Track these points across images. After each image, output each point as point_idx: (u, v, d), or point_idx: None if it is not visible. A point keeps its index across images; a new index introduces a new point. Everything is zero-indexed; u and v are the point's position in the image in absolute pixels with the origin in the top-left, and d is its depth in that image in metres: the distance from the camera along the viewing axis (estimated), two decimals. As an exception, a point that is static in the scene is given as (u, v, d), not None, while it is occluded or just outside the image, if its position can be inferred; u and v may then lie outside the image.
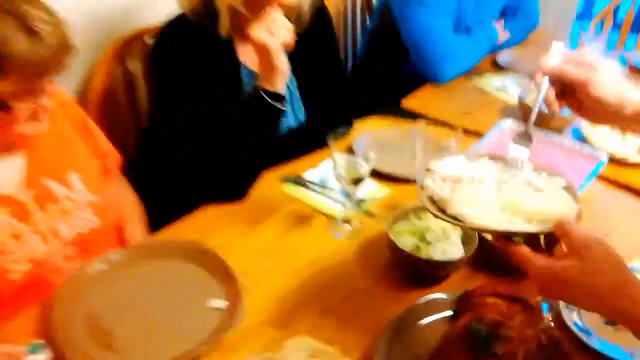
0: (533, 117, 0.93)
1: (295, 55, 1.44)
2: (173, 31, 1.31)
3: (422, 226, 1.12)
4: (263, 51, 1.20)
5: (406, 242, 1.08)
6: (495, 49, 2.14)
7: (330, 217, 1.25)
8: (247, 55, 1.37)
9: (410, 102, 1.77)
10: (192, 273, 1.06)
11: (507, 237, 0.84)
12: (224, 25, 1.28)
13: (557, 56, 0.92)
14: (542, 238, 0.85)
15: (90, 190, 1.13)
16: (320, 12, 1.46)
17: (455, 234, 1.11)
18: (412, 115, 1.72)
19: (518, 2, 2.26)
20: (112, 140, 1.56)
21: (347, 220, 1.23)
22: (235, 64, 1.33)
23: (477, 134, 1.55)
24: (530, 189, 0.92)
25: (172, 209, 1.33)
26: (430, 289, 1.07)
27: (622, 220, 1.30)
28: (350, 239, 1.20)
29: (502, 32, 2.14)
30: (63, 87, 1.48)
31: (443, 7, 1.91)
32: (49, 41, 0.91)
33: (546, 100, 0.92)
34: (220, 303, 1.00)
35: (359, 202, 1.29)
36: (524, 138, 0.94)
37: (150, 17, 1.53)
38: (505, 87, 1.90)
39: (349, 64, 2.37)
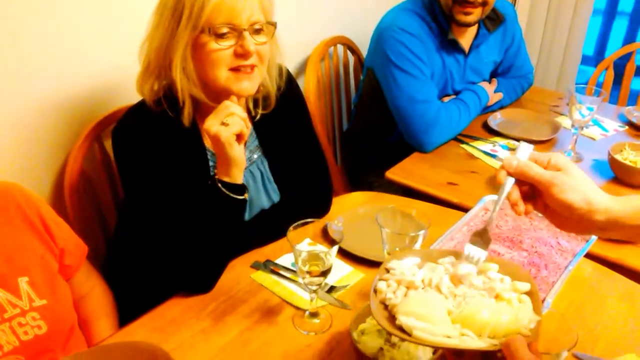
0: (494, 217, 0.87)
1: (266, 137, 1.41)
2: (132, 118, 1.28)
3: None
4: (216, 142, 1.17)
5: (370, 343, 1.01)
6: (487, 110, 2.10)
7: (298, 309, 1.19)
8: None
9: (394, 173, 1.73)
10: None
11: (457, 352, 0.78)
12: (188, 114, 1.26)
13: (523, 155, 0.87)
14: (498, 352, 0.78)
15: (39, 295, 1.08)
16: (289, 90, 1.43)
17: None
18: (393, 188, 1.67)
19: (511, 60, 2.22)
20: (92, 222, 1.56)
21: (314, 314, 1.16)
22: (201, 149, 1.30)
23: (462, 209, 1.49)
24: (488, 297, 0.86)
25: (145, 297, 1.30)
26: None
27: (613, 302, 1.22)
28: (318, 334, 1.13)
29: (492, 94, 2.10)
30: (41, 167, 1.50)
31: (427, 73, 1.88)
32: None
33: (510, 201, 0.86)
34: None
35: (330, 290, 1.22)
36: (482, 239, 0.88)
37: (131, 98, 1.52)
38: (497, 153, 1.84)
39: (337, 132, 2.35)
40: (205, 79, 1.23)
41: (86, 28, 1.50)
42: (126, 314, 1.29)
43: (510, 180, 0.86)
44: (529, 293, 0.85)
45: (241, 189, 1.22)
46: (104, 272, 1.44)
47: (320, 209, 1.46)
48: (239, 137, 1.18)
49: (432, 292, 0.85)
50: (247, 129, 1.19)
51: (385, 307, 0.86)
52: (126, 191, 1.32)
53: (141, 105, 1.30)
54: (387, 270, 0.92)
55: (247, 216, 1.40)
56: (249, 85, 1.25)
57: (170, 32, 1.20)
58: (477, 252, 0.88)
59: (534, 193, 0.87)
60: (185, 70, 1.22)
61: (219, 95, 1.24)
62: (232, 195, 1.20)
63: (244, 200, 1.23)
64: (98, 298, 1.30)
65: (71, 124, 1.54)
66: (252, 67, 1.23)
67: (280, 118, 1.41)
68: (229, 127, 1.16)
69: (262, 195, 1.42)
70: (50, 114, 1.49)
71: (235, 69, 1.22)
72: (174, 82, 1.22)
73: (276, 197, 1.45)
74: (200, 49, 1.20)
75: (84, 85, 1.55)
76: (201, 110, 1.29)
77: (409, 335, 0.79)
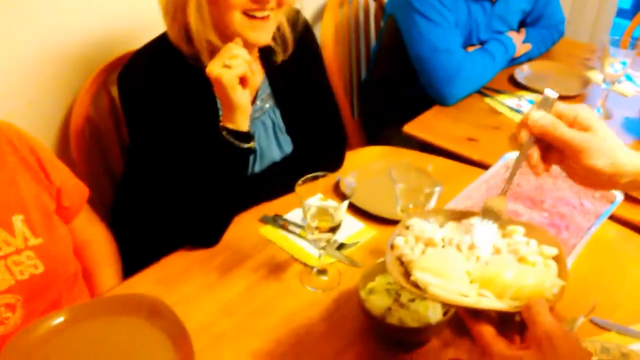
0: (508, 185, 0.81)
1: (279, 85, 1.35)
2: (138, 63, 1.23)
3: (399, 283, 1.01)
4: (219, 86, 1.11)
5: (378, 302, 0.97)
6: (514, 62, 1.99)
7: (306, 266, 1.15)
8: None
9: (412, 127, 1.66)
10: (145, 334, 0.98)
11: (474, 312, 0.73)
12: (204, 59, 1.20)
13: (547, 109, 0.78)
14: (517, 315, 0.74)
15: (34, 234, 1.05)
16: (305, 38, 1.35)
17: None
18: (411, 144, 1.61)
19: (541, 9, 2.10)
20: (98, 169, 1.53)
21: (322, 271, 1.13)
22: (212, 96, 1.25)
23: (483, 166, 1.43)
24: (512, 258, 0.81)
25: (149, 247, 1.28)
26: (407, 355, 0.96)
27: (636, 267, 1.16)
28: (326, 292, 1.10)
29: (520, 45, 1.99)
30: (47, 111, 1.47)
31: (451, 21, 1.77)
32: None
33: (530, 163, 0.79)
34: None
35: (340, 247, 1.18)
36: (492, 213, 0.83)
37: (139, 43, 1.47)
38: (522, 108, 1.75)
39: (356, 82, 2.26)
40: (219, 23, 1.17)
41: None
42: (130, 264, 1.27)
43: (531, 140, 0.78)
44: (555, 258, 0.80)
45: (246, 136, 1.16)
46: (110, 220, 1.43)
47: (333, 162, 1.40)
48: (242, 80, 1.11)
49: (451, 250, 0.81)
50: (252, 72, 1.12)
51: (401, 263, 0.82)
52: (131, 138, 1.28)
53: (148, 48, 1.24)
54: (407, 227, 0.88)
55: (257, 168, 1.36)
56: (264, 34, 1.19)
57: None
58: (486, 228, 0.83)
59: (552, 150, 0.80)
60: (200, 11, 1.15)
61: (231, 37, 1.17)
62: (236, 142, 1.15)
63: (250, 149, 1.17)
64: (100, 247, 1.28)
65: (78, 69, 1.49)
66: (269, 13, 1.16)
67: (294, 67, 1.34)
68: (232, 69, 1.09)
69: (274, 146, 1.37)
70: (56, 59, 1.44)
71: (250, 15, 1.15)
72: (188, 23, 1.16)
73: (288, 149, 1.39)
74: None
75: (91, 29, 1.49)
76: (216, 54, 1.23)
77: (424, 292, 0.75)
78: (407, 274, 0.80)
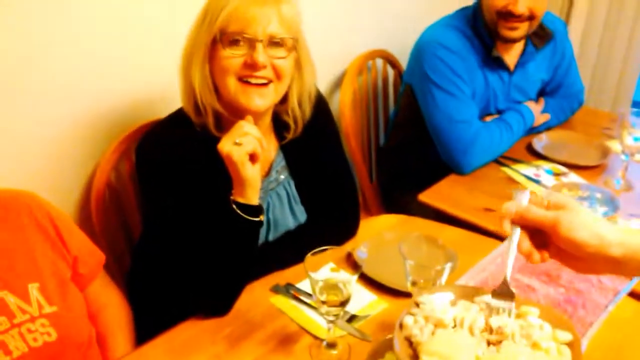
0: (509, 271, 0.81)
1: (293, 157, 1.38)
2: (153, 137, 1.27)
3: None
4: (229, 162, 1.14)
5: (386, 382, 0.96)
6: (533, 131, 2.00)
7: (315, 339, 1.14)
8: None
9: (428, 196, 1.66)
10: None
11: None
12: (210, 125, 1.24)
13: (522, 202, 0.83)
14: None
15: (49, 302, 1.07)
16: (320, 111, 1.38)
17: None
18: (429, 210, 1.61)
19: (560, 79, 2.12)
20: (117, 234, 1.56)
21: (332, 344, 1.11)
22: (224, 168, 1.28)
23: (499, 237, 1.41)
24: (524, 342, 0.81)
25: (163, 314, 1.28)
26: None
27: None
28: (335, 367, 1.09)
29: (539, 115, 2.00)
30: (69, 174, 1.51)
31: (467, 93, 1.80)
32: None
33: (522, 251, 0.81)
34: None
35: (350, 319, 1.17)
36: (504, 294, 0.83)
37: (160, 113, 1.52)
38: (540, 178, 1.75)
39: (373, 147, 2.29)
40: (220, 89, 1.22)
41: (119, 45, 1.50)
42: (143, 330, 1.27)
43: (517, 230, 0.81)
44: (569, 344, 0.81)
45: (256, 210, 1.18)
46: (127, 285, 1.44)
47: (347, 233, 1.41)
48: (253, 156, 1.15)
49: (462, 333, 0.81)
50: (262, 148, 1.15)
51: (410, 344, 0.82)
52: (145, 206, 1.31)
53: (167, 119, 1.29)
54: (417, 305, 0.87)
55: (271, 237, 1.37)
56: (259, 101, 1.21)
57: (194, 36, 1.20)
58: (501, 306, 0.83)
59: (545, 240, 0.81)
60: (203, 75, 1.20)
61: (236, 109, 1.22)
62: (246, 216, 1.17)
63: (260, 222, 1.19)
64: (115, 311, 1.28)
65: (102, 136, 1.54)
66: (267, 82, 1.20)
67: (309, 139, 1.37)
68: (242, 147, 1.12)
69: (288, 216, 1.38)
70: (80, 128, 1.50)
71: (244, 81, 1.19)
72: (194, 88, 1.21)
73: (302, 218, 1.41)
74: (214, 55, 1.19)
75: (118, 96, 1.55)
76: (223, 125, 1.26)
77: None
78: (415, 357, 0.80)
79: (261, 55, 1.16)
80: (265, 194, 1.32)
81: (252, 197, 1.18)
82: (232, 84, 1.19)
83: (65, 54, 1.40)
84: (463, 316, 0.85)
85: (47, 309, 1.07)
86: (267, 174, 1.35)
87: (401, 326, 0.86)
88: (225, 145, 1.13)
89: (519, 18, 1.78)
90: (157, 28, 1.57)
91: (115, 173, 1.54)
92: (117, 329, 1.27)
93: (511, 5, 1.76)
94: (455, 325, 0.84)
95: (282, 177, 1.37)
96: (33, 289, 1.06)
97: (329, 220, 1.39)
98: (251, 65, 1.17)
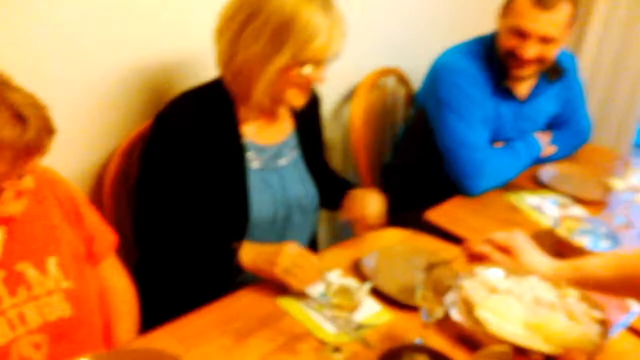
0: None
1: (302, 135, 1.55)
2: (182, 101, 1.36)
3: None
4: (270, 275, 1.28)
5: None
6: (538, 162, 2.05)
7: (321, 342, 1.17)
8: (253, 132, 1.44)
9: (434, 214, 1.70)
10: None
11: (521, 350, 1.01)
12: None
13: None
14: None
15: (65, 276, 1.09)
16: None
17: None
18: (432, 230, 1.64)
19: (568, 114, 2.16)
20: (127, 220, 1.57)
21: (338, 349, 1.14)
22: (238, 141, 1.40)
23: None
24: (563, 313, 1.10)
25: (168, 300, 1.32)
26: None
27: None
28: (339, 371, 1.11)
29: (546, 146, 2.05)
30: (85, 157, 1.53)
31: (479, 117, 1.85)
32: (36, 125, 0.94)
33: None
34: None
35: (357, 328, 1.20)
36: None
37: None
38: (542, 207, 1.79)
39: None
40: (275, 95, 1.35)
41: (149, 22, 1.53)
42: (150, 314, 1.32)
43: None
44: (600, 321, 1.09)
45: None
46: (136, 269, 1.46)
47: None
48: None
49: (512, 298, 1.10)
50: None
51: (464, 302, 1.15)
52: (148, 173, 1.37)
53: (189, 92, 1.38)
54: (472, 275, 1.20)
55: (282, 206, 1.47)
56: (304, 103, 1.40)
57: (265, 56, 1.28)
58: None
59: None
60: (268, 85, 1.31)
61: (277, 103, 1.39)
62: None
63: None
64: (122, 295, 1.30)
65: (125, 119, 1.58)
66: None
67: (307, 119, 1.56)
68: (298, 279, 1.25)
69: (297, 181, 1.52)
70: (97, 115, 1.53)
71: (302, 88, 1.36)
72: (250, 92, 1.33)
73: (310, 187, 1.53)
74: (285, 73, 1.30)
75: (143, 79, 1.57)
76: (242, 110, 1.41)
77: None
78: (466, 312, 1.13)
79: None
80: (281, 167, 1.48)
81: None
82: (293, 93, 1.36)
83: (90, 32, 1.41)
84: (513, 288, 1.13)
85: (64, 284, 1.09)
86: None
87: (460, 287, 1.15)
88: (280, 267, 1.25)
89: (527, 62, 1.81)
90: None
91: (129, 160, 1.56)
92: (123, 313, 1.29)
93: (519, 50, 1.78)
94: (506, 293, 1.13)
95: (295, 152, 1.53)
96: (51, 263, 1.09)
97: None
98: (316, 80, 1.35)
